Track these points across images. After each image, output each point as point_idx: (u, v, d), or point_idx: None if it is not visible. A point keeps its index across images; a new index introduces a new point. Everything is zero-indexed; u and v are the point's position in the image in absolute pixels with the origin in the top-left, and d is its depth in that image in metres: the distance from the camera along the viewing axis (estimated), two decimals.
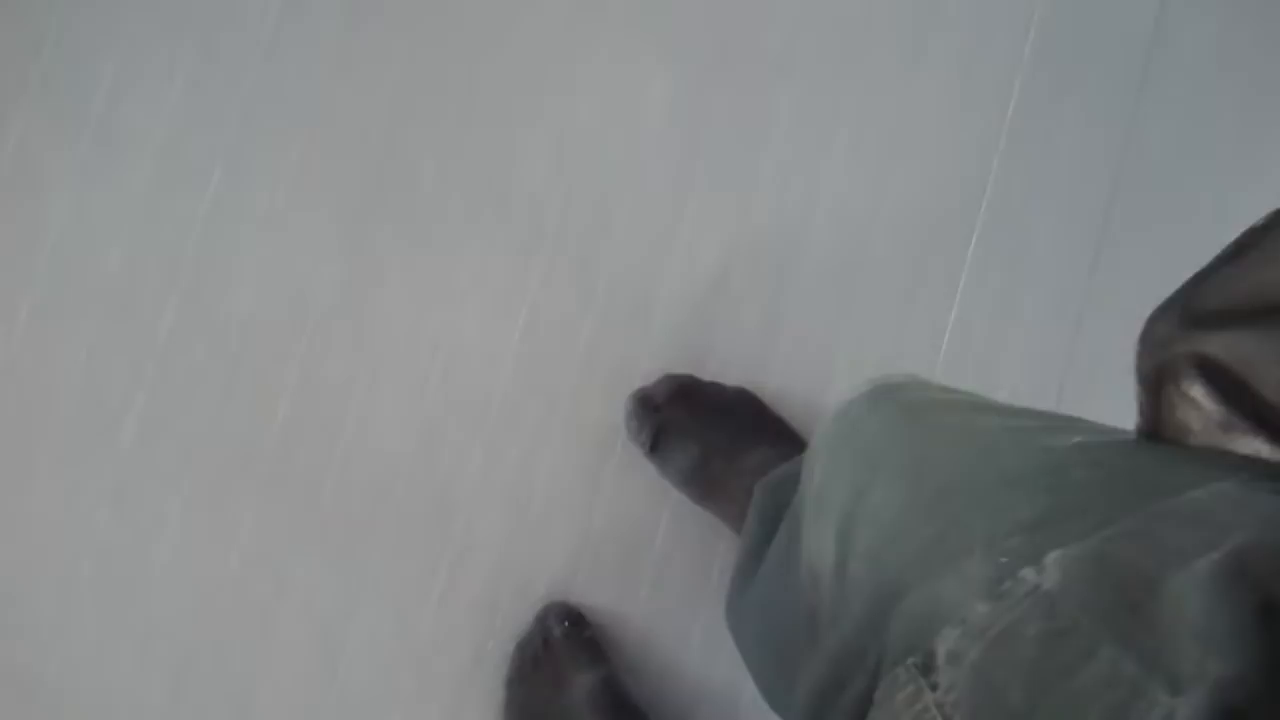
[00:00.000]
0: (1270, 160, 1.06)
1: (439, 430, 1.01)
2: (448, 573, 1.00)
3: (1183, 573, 0.33)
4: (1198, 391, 0.40)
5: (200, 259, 1.02)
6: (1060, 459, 0.42)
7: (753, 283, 1.04)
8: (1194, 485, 0.37)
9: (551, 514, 1.01)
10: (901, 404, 0.54)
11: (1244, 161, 1.06)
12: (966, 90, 1.06)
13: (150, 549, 1.00)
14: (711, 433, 0.96)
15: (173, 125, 1.03)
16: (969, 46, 1.07)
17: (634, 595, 1.00)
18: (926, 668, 0.37)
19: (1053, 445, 0.43)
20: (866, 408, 0.55)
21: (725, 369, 1.02)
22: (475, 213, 1.04)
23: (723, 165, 1.05)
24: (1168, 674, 0.31)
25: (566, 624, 0.96)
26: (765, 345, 1.03)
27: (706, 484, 0.96)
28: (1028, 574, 0.36)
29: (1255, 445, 0.39)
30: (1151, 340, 0.42)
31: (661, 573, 1.01)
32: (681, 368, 1.01)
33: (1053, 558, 0.36)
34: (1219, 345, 0.40)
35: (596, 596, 1.00)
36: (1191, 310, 0.41)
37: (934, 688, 0.36)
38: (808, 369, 1.03)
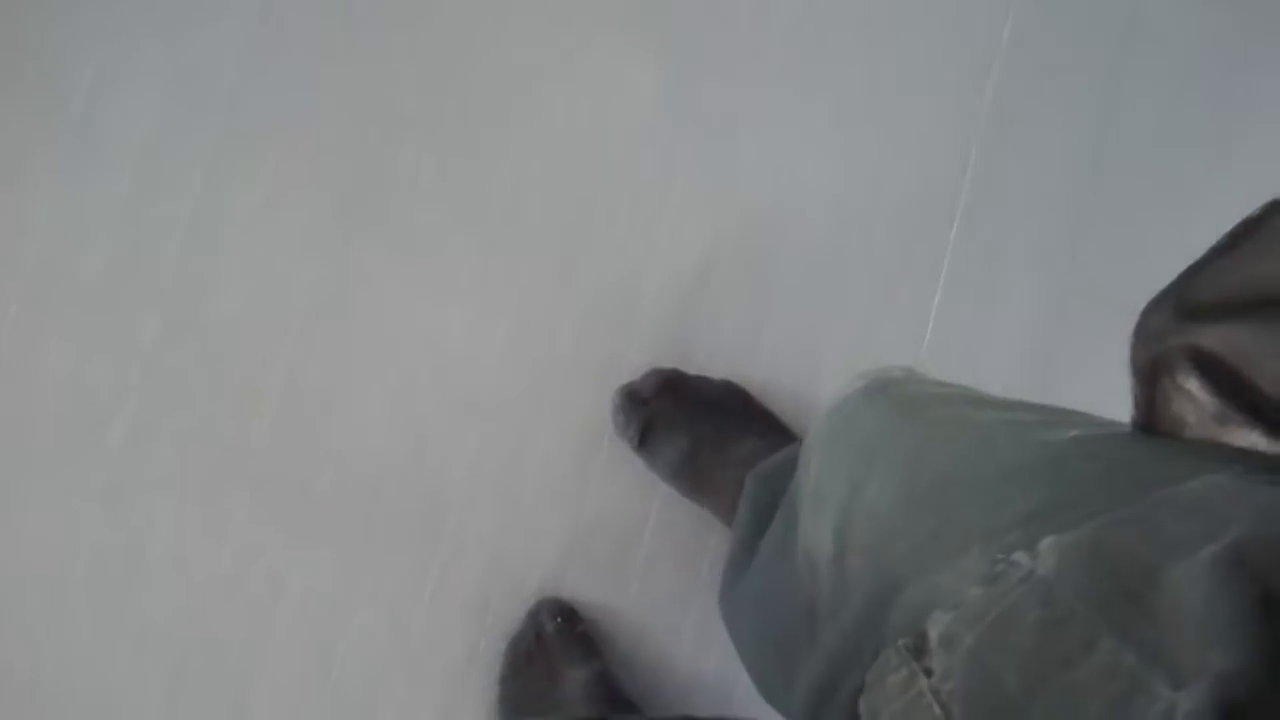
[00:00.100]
0: (1249, 142, 1.07)
1: (428, 429, 1.01)
2: (439, 571, 1.00)
3: (1181, 564, 0.33)
4: (1193, 384, 0.40)
5: (184, 259, 1.01)
6: (1057, 452, 0.42)
7: (737, 276, 1.04)
8: (1190, 477, 0.37)
9: (541, 510, 1.01)
10: (897, 398, 0.54)
11: (1223, 144, 1.07)
12: (945, 78, 1.06)
13: (142, 550, 0.99)
14: (699, 425, 0.96)
15: (154, 126, 1.02)
16: (947, 33, 1.07)
17: (625, 590, 1.00)
18: (918, 650, 0.36)
19: (1049, 439, 0.44)
20: (862, 402, 0.55)
21: (711, 362, 1.02)
22: (458, 211, 1.03)
23: (705, 159, 1.04)
24: (1168, 667, 0.30)
25: (559, 620, 0.96)
26: (751, 338, 1.03)
27: (696, 476, 0.96)
28: (1021, 558, 0.36)
29: (1251, 438, 0.39)
30: (1146, 333, 0.42)
31: (652, 566, 1.01)
32: (668, 362, 1.01)
33: (1047, 543, 0.36)
34: (1214, 338, 0.40)
35: (588, 592, 1.00)
36: (1186, 302, 0.41)
37: (928, 673, 0.36)
38: (793, 361, 1.03)
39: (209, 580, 0.99)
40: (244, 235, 1.02)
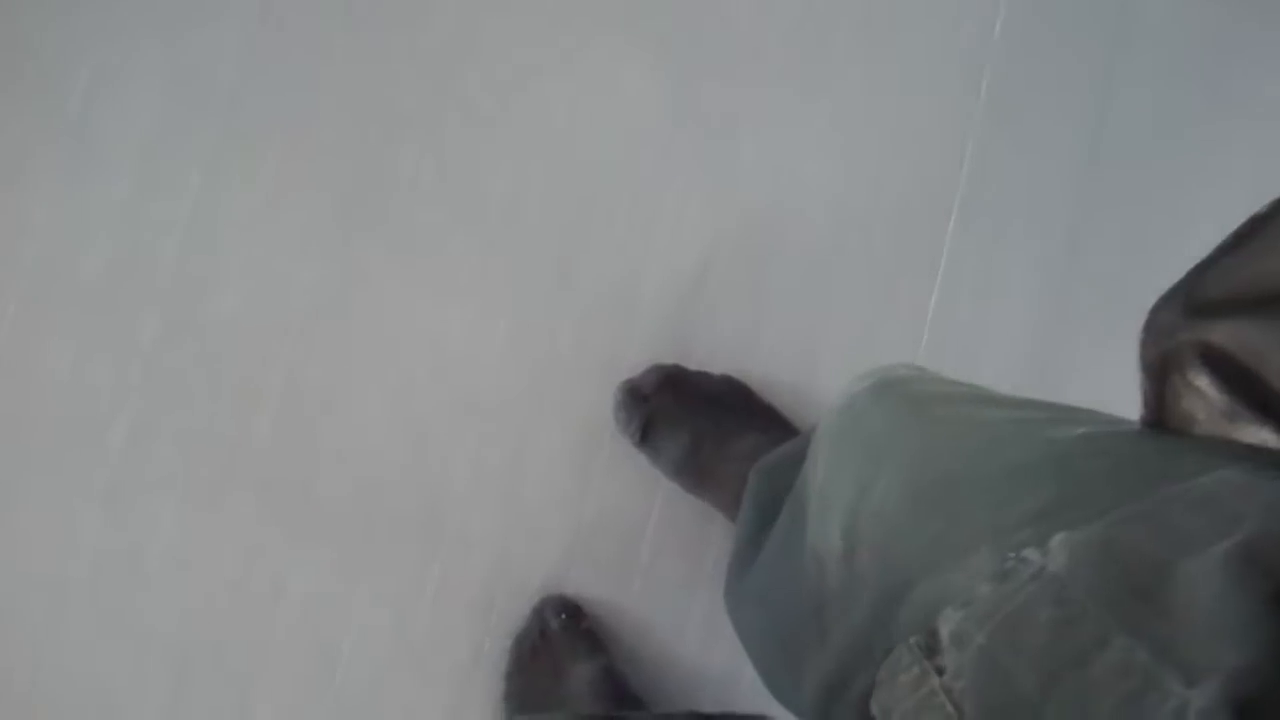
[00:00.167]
0: (1241, 128, 1.07)
1: (429, 429, 1.01)
2: (442, 570, 1.00)
3: (1193, 561, 0.33)
4: (1203, 381, 0.40)
5: (184, 259, 1.01)
6: (1065, 449, 0.42)
7: (736, 274, 1.04)
8: (1200, 473, 0.36)
9: (544, 508, 1.01)
10: (905, 397, 0.54)
11: (1216, 131, 1.07)
12: (939, 71, 1.06)
13: (143, 550, 0.99)
14: (701, 421, 0.96)
15: (153, 126, 1.02)
16: (945, 31, 1.06)
17: (629, 586, 1.01)
18: (929, 649, 0.36)
19: (1057, 436, 0.43)
20: (870, 401, 0.55)
21: (711, 358, 1.02)
22: (458, 210, 1.03)
23: (704, 158, 1.04)
24: (1181, 665, 0.30)
25: (563, 616, 0.96)
26: (750, 335, 1.03)
27: (698, 472, 0.96)
28: (1031, 555, 0.36)
29: (1261, 435, 0.39)
30: (1155, 329, 0.42)
31: (656, 562, 1.01)
32: (668, 358, 1.01)
33: (1058, 540, 0.36)
34: (1224, 334, 0.40)
35: (592, 588, 1.00)
36: (1195, 299, 0.41)
37: (940, 671, 0.36)
38: (793, 355, 1.03)
39: (211, 581, 0.99)
40: (244, 235, 1.02)
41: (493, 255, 1.03)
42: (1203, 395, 0.40)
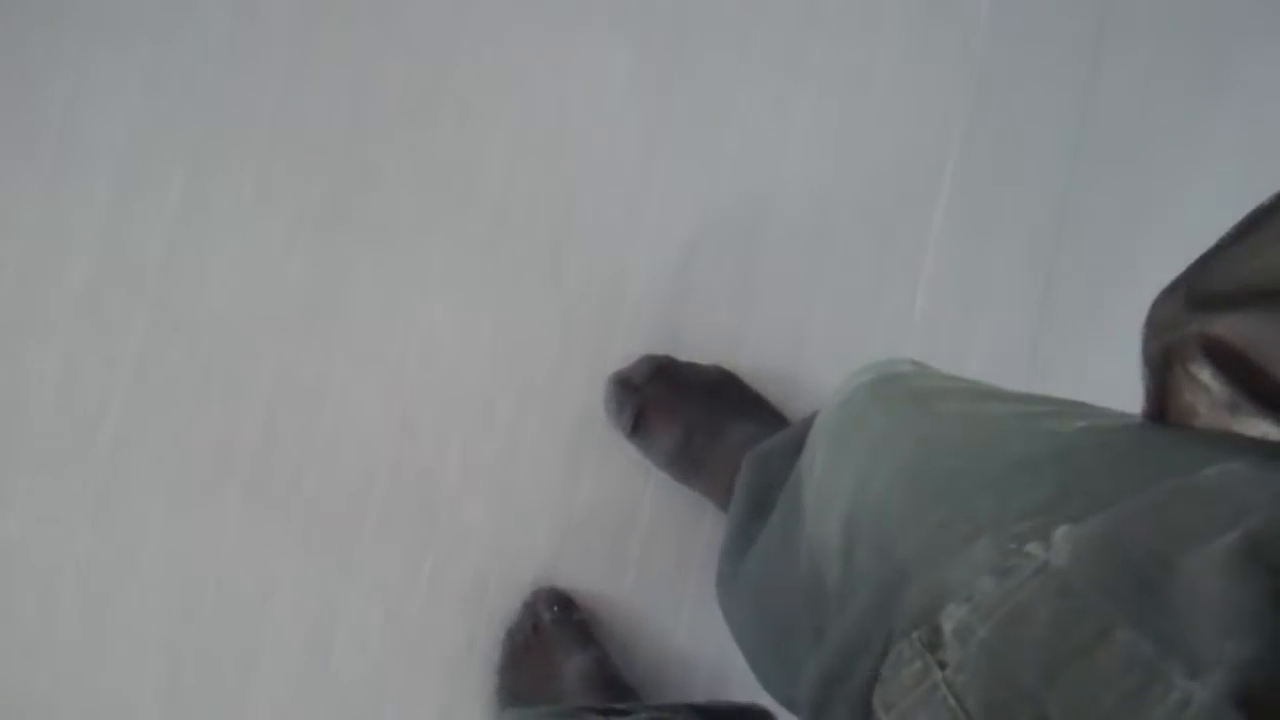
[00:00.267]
0: (1225, 116, 1.07)
1: (418, 423, 1.00)
2: (434, 564, 1.00)
3: (1197, 553, 0.33)
4: (1205, 373, 0.40)
5: (169, 259, 1.00)
6: (1067, 442, 0.42)
7: (723, 263, 1.03)
8: (1203, 465, 0.36)
9: (534, 500, 1.00)
10: (905, 392, 0.54)
11: (1201, 118, 1.07)
12: (926, 55, 1.06)
13: (134, 553, 0.98)
14: (692, 411, 0.96)
15: (135, 126, 1.01)
16: (931, 10, 1.06)
17: (621, 577, 1.00)
18: (932, 644, 0.36)
19: (1060, 429, 0.43)
20: (869, 396, 0.55)
21: (699, 348, 1.02)
22: (442, 203, 1.02)
23: (687, 144, 1.04)
24: (1185, 657, 0.30)
25: (555, 609, 0.96)
26: (738, 323, 1.03)
27: (690, 462, 0.96)
28: (1034, 549, 0.36)
29: (1263, 427, 0.39)
30: (1157, 322, 0.42)
31: (647, 553, 1.01)
32: (657, 349, 1.01)
33: (1061, 533, 0.35)
34: (1226, 326, 0.40)
35: (584, 580, 1.00)
36: (1198, 291, 0.41)
37: (942, 665, 0.36)
38: (781, 345, 1.03)
39: (202, 581, 0.98)
40: (230, 232, 1.01)
41: (481, 248, 1.02)
42: (1205, 387, 0.40)
